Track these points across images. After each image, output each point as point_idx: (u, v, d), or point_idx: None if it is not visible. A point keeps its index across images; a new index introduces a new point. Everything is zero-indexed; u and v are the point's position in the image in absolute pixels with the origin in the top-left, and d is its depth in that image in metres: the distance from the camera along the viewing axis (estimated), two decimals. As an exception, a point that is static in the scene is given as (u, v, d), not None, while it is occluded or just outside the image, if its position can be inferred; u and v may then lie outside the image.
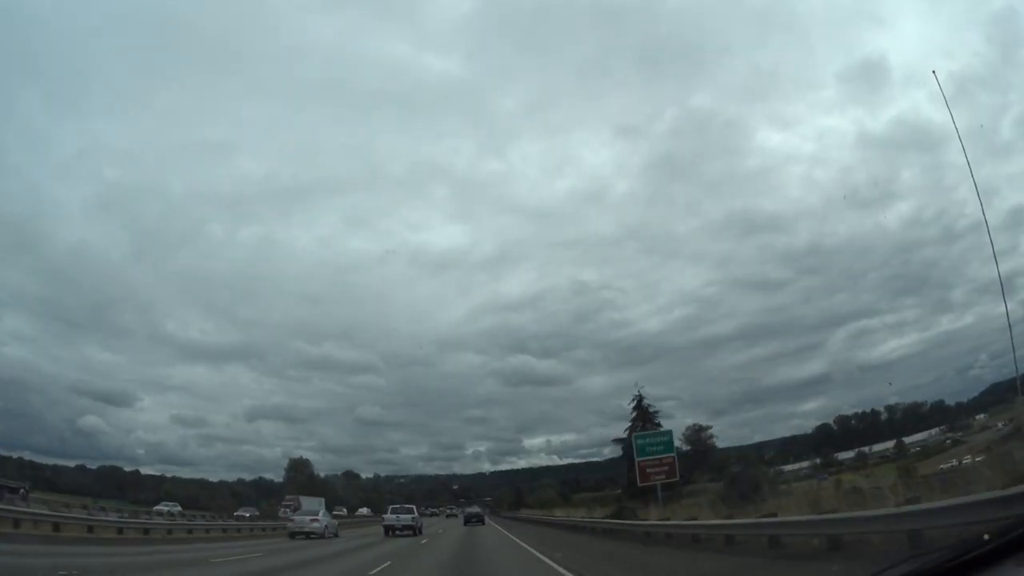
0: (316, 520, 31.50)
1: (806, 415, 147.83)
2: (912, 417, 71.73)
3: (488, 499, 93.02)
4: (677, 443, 72.24)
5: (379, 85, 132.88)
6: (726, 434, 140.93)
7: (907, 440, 63.90)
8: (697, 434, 69.07)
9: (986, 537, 2.45)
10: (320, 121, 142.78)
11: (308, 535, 29.25)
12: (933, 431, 63.03)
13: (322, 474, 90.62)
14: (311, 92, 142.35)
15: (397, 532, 31.74)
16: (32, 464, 62.36)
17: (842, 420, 79.55)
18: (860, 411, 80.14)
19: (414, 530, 32.34)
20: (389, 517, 33.76)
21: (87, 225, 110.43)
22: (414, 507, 37.40)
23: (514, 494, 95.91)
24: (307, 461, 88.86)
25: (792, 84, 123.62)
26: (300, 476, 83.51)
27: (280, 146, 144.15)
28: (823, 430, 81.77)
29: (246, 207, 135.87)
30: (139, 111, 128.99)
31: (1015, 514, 5.51)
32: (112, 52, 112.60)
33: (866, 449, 61.58)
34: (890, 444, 63.97)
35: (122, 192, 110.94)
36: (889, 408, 77.44)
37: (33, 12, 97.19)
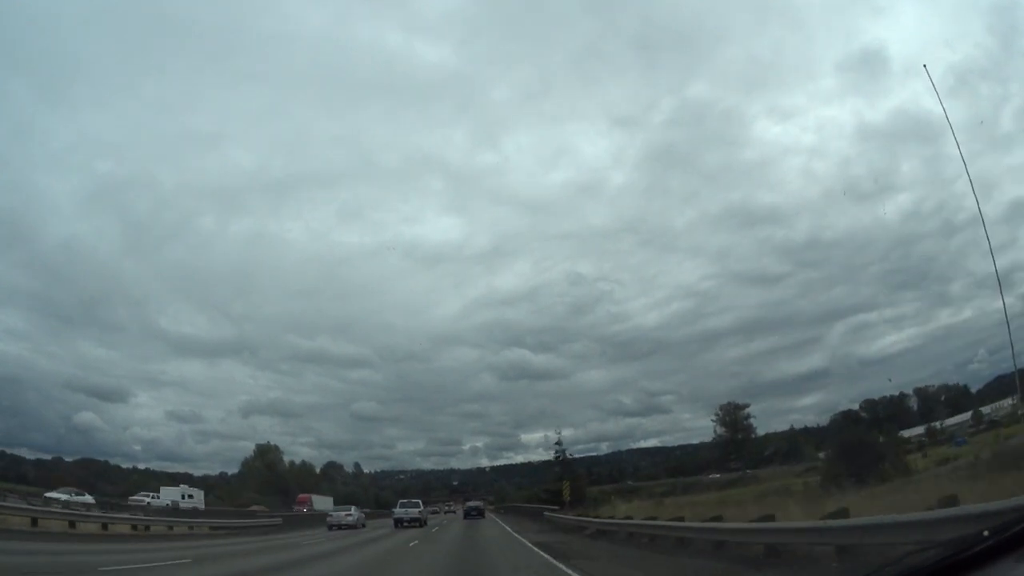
0: (350, 515, 39.48)
1: (804, 410, 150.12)
2: (948, 399, 68.87)
3: (489, 496, 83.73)
4: (711, 422, 63.24)
5: (370, 74, 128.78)
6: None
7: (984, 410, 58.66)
8: (733, 414, 59.66)
9: (985, 534, 2.49)
10: (310, 111, 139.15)
11: (341, 527, 36.59)
12: (1005, 402, 57.04)
13: (288, 460, 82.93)
14: (301, 81, 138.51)
15: (405, 524, 35.37)
16: (13, 457, 61.14)
17: (869, 405, 74.02)
18: (888, 396, 75.86)
19: (420, 522, 36.30)
20: (399, 511, 38.27)
21: (78, 219, 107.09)
22: (420, 502, 41.81)
23: (564, 472, 51.77)
24: (275, 447, 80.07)
25: (791, 74, 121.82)
26: (258, 464, 74.25)
27: (270, 137, 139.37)
28: (848, 416, 75.85)
29: (237, 199, 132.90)
30: (127, 102, 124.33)
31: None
32: (99, 41, 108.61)
33: (936, 424, 56.51)
34: (965, 416, 58.99)
35: (112, 185, 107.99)
36: (919, 391, 75.56)
37: (18, 2, 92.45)
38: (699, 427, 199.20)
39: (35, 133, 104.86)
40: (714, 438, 61.93)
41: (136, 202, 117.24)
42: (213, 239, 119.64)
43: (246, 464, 77.36)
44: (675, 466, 70.50)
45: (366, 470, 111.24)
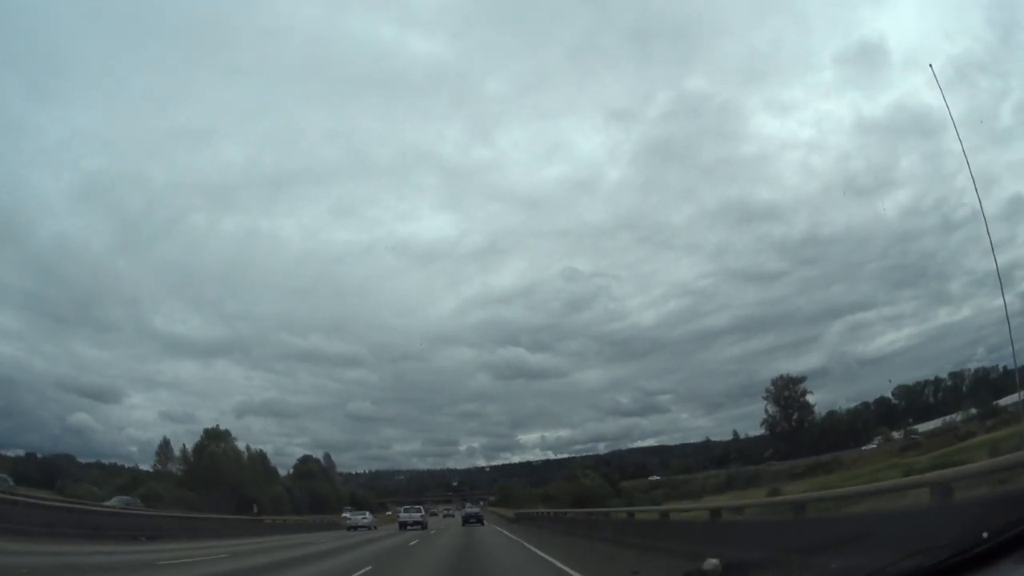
0: (365, 518, 44.32)
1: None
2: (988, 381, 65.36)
3: (491, 496, 73.72)
4: (761, 399, 58.31)
5: (363, 68, 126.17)
6: (725, 428, 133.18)
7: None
8: (789, 388, 53.83)
9: (985, 535, 2.48)
10: (302, 106, 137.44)
11: (357, 528, 40.78)
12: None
13: (242, 445, 68.55)
14: (292, 76, 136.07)
15: (409, 527, 37.50)
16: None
17: (904, 391, 68.68)
18: (923, 380, 72.46)
19: (423, 525, 38.63)
20: (403, 515, 40.66)
21: (70, 216, 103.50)
22: (422, 507, 46.10)
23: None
24: (226, 432, 65.14)
25: (789, 67, 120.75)
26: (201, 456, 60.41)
27: (262, 132, 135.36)
28: (882, 403, 70.96)
29: (229, 196, 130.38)
30: (118, 98, 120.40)
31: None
32: (89, 37, 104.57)
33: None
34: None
35: (103, 182, 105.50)
36: (953, 375, 72.34)
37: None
38: (698, 426, 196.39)
39: (26, 130, 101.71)
40: (765, 419, 55.80)
41: (128, 199, 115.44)
42: (205, 237, 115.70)
43: (159, 451, 62.76)
44: (719, 457, 64.52)
45: (363, 470, 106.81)
